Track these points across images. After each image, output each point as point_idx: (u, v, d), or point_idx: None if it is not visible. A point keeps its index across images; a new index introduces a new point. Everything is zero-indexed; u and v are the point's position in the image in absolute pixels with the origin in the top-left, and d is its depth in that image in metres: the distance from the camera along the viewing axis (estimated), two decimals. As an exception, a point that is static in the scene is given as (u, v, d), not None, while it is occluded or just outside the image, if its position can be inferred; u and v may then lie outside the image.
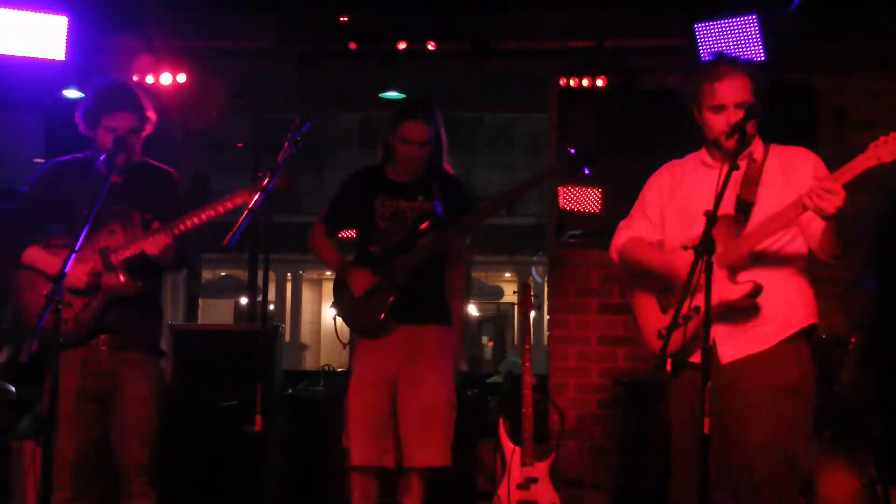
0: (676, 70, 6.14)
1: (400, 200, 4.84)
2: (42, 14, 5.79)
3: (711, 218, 3.30)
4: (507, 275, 23.69)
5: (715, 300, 3.44)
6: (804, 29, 5.61)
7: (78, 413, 4.12)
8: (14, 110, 7.05)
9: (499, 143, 19.14)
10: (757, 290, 3.53)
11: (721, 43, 5.68)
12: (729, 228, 3.61)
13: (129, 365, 4.23)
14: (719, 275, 3.53)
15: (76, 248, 3.73)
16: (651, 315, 3.82)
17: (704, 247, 3.28)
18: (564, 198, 6.30)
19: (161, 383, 4.35)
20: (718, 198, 3.35)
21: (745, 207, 3.67)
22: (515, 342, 20.57)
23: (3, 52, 5.71)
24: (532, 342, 5.81)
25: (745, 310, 3.60)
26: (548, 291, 7.05)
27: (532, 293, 6.03)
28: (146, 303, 4.32)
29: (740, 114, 3.56)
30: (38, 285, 4.10)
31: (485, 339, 20.66)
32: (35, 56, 5.78)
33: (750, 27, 5.61)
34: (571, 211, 6.31)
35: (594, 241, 6.42)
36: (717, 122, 3.63)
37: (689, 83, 3.72)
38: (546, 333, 6.69)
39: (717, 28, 5.70)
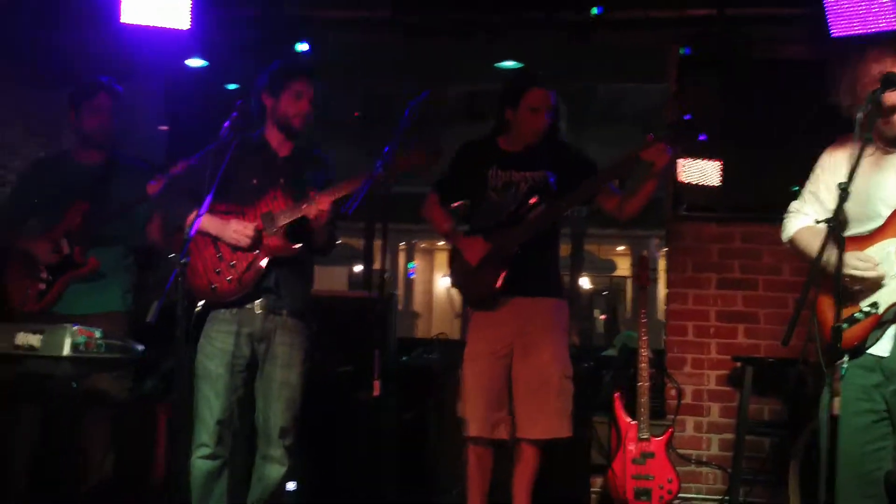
0: (803, 40, 6.01)
1: (512, 171, 4.82)
2: (168, -17, 5.88)
3: (844, 191, 3.19)
4: (620, 248, 23.48)
5: (893, 299, 3.35)
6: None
7: (229, 374, 4.27)
8: (137, 78, 7.19)
9: (610, 116, 18.87)
10: None
11: (851, 10, 5.47)
12: None
13: (282, 329, 4.36)
14: None
15: (201, 212, 3.96)
16: (830, 309, 3.36)
17: (834, 222, 3.20)
18: (683, 170, 6.18)
19: (309, 350, 4.46)
20: (851, 174, 3.21)
21: None
22: (628, 316, 20.41)
23: (130, 21, 5.82)
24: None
25: None
26: (665, 265, 6.93)
27: (649, 266, 5.97)
28: (301, 268, 4.46)
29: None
30: (202, 248, 4.32)
31: (597, 313, 20.51)
32: (160, 25, 5.88)
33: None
34: (689, 184, 6.19)
35: (713, 216, 6.30)
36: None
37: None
38: (660, 308, 6.58)
39: (848, -6, 5.49)
